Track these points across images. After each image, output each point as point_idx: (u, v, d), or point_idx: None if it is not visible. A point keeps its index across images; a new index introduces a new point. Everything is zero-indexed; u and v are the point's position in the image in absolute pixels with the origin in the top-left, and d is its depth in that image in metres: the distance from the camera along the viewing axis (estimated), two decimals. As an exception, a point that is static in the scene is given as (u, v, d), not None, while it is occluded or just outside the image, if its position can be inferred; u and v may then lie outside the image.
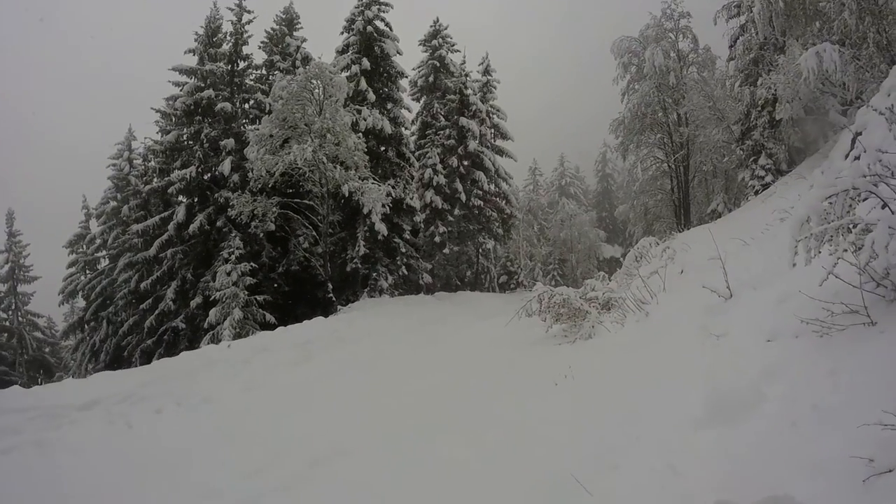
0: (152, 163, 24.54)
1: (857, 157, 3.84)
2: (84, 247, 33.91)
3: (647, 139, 22.25)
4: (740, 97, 17.31)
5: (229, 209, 18.57)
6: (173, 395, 8.41)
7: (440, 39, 30.61)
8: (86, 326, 30.42)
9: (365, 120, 18.58)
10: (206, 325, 17.39)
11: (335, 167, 16.68)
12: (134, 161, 29.49)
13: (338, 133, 16.46)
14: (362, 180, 17.14)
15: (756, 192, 16.85)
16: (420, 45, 30.84)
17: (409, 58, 27.13)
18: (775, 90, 12.74)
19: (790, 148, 15.06)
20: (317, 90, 17.11)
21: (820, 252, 4.08)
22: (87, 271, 33.22)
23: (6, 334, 37.16)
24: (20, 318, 37.51)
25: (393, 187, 19.44)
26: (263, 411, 7.81)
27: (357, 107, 18.89)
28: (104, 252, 31.99)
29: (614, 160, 63.16)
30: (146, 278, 22.61)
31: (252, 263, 17.79)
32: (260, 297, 17.99)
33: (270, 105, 18.07)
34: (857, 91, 11.58)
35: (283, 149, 16.97)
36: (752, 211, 12.48)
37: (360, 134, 17.86)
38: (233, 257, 17.39)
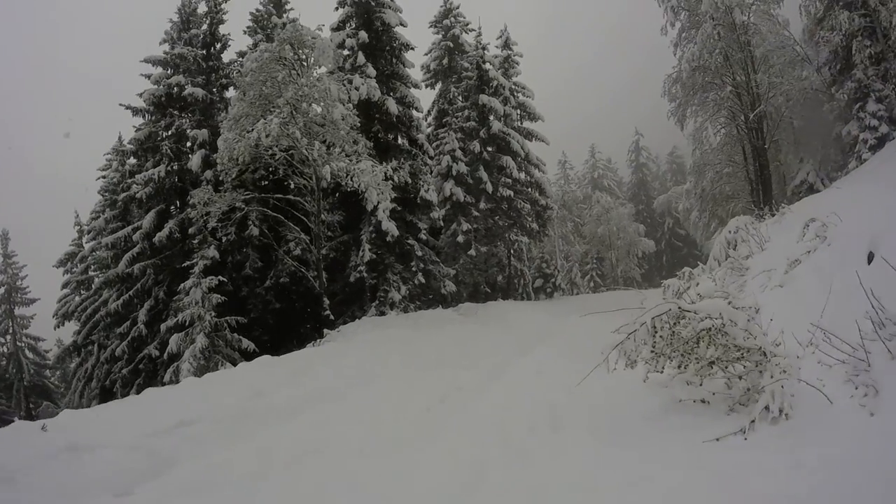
0: (127, 166, 21.41)
1: None
2: (77, 265, 31.75)
3: (712, 97, 17.93)
4: (833, 25, 13.43)
5: (188, 209, 14.94)
6: None
7: (452, 18, 27.99)
8: (81, 351, 28.08)
9: (357, 90, 14.80)
10: (165, 356, 13.88)
11: (313, 144, 12.73)
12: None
13: (317, 101, 12.66)
14: (351, 160, 13.06)
15: (871, 148, 12.86)
16: (431, 26, 28.15)
17: (420, 43, 23.66)
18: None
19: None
20: (296, 58, 13.49)
21: None
22: (82, 291, 31.07)
23: (3, 360, 35.18)
24: (18, 343, 35.50)
25: (395, 170, 15.49)
26: None
27: (348, 76, 15.10)
28: (96, 272, 29.73)
29: (648, 149, 59.14)
30: (122, 297, 19.52)
31: (220, 277, 13.96)
32: (233, 319, 14.23)
33: (237, 80, 14.50)
34: None
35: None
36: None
37: (352, 105, 13.91)
38: (196, 270, 13.63)
